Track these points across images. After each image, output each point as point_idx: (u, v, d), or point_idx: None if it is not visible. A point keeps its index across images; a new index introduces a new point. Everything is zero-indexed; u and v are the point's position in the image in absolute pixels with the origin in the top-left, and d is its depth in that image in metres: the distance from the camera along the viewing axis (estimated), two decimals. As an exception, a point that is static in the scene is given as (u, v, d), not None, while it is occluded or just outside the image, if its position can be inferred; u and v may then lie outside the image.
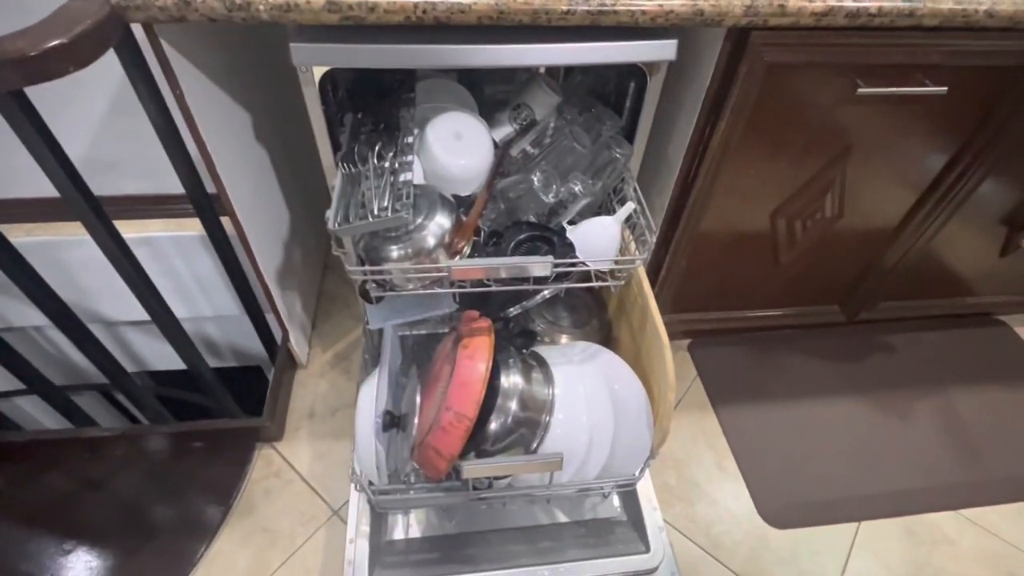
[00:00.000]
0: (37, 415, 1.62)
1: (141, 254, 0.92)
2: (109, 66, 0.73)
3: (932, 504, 1.16)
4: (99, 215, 0.82)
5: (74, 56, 0.61)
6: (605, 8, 0.71)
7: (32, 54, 0.57)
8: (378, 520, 0.95)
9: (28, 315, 1.41)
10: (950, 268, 1.30)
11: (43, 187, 0.78)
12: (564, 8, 0.70)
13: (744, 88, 0.85)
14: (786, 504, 1.14)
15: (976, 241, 1.23)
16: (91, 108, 1.11)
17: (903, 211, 1.13)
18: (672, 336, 0.81)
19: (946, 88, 0.87)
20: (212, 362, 1.60)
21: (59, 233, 1.26)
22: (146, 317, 0.96)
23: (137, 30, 0.72)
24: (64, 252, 1.27)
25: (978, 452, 1.24)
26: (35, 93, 0.67)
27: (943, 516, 1.14)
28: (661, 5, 0.72)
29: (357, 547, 0.89)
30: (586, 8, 0.70)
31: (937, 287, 1.35)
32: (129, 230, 0.91)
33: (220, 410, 1.20)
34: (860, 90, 0.85)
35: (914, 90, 0.87)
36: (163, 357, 1.69)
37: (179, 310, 1.03)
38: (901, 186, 1.08)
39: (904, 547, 1.10)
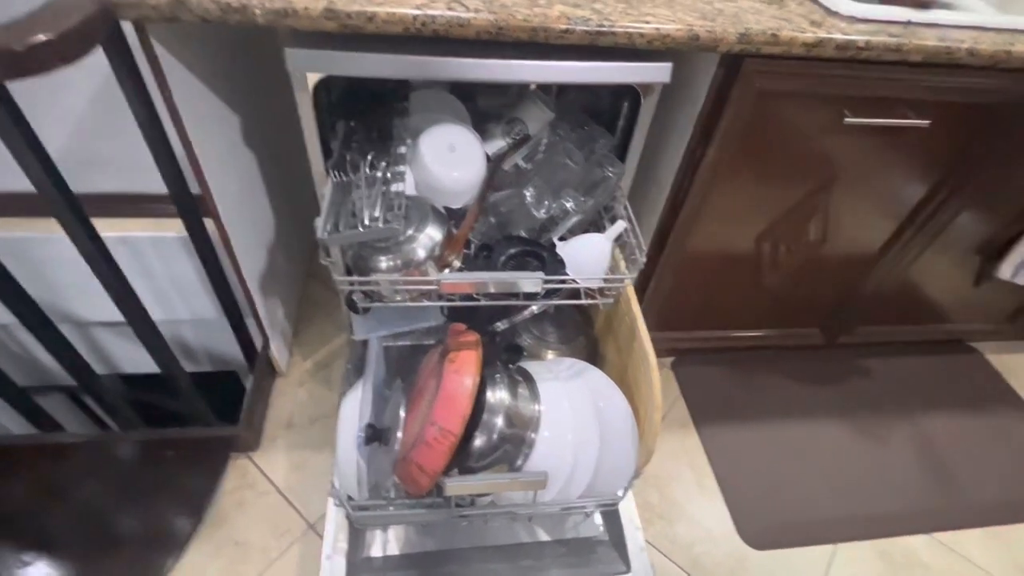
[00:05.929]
0: (-2, 417, 1.55)
1: (118, 254, 0.89)
2: (92, 60, 0.71)
3: (906, 527, 1.17)
4: (76, 212, 0.79)
5: (61, 52, 0.59)
6: (603, 29, 0.71)
7: (17, 49, 0.55)
8: (356, 536, 0.92)
9: (-6, 313, 1.35)
10: (926, 295, 1.33)
11: (16, 181, 0.75)
12: (563, 27, 0.70)
13: (735, 113, 0.86)
14: (765, 525, 1.15)
15: (952, 270, 1.27)
16: (72, 102, 1.08)
17: (884, 238, 1.16)
18: (656, 354, 0.82)
19: (928, 122, 0.90)
20: (187, 366, 1.55)
21: (31, 229, 1.21)
22: (119, 318, 0.93)
23: (126, 27, 0.70)
24: (35, 249, 1.23)
25: (950, 476, 1.26)
26: (14, 84, 0.64)
27: (917, 539, 1.16)
28: (658, 29, 0.73)
29: (334, 564, 0.86)
30: (584, 28, 0.71)
31: (913, 313, 1.39)
32: (107, 229, 0.88)
33: (193, 415, 1.17)
34: (847, 120, 0.88)
35: (898, 122, 0.90)
36: (135, 360, 1.63)
37: (155, 312, 1.00)
38: (883, 214, 1.11)
39: (879, 570, 1.11)
